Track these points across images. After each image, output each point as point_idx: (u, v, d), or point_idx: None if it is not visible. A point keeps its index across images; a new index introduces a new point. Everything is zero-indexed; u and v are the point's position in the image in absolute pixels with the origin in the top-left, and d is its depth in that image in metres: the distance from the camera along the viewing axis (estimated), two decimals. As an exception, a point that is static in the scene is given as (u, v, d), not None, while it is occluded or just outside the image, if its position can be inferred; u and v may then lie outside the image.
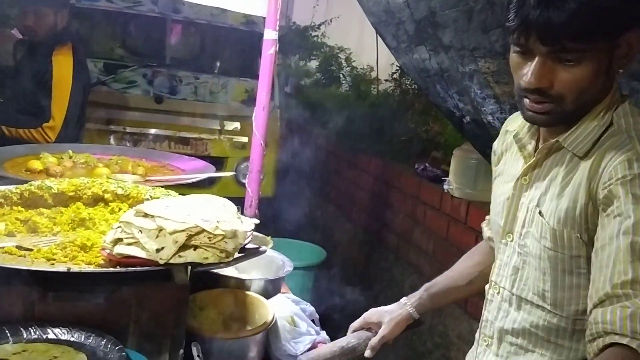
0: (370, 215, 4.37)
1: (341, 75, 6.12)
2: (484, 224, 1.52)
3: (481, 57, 1.52)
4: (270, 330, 1.43)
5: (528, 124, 1.22)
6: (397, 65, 4.63)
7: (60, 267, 1.09)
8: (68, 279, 1.11)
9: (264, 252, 1.28)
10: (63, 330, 1.11)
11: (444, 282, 1.50)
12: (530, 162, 1.20)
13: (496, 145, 1.38)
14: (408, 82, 4.67)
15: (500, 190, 1.30)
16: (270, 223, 2.53)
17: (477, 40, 1.37)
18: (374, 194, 4.32)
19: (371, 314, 1.49)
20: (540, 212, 1.14)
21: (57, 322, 1.11)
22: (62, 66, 2.74)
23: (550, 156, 1.16)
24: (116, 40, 4.39)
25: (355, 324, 1.49)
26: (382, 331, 1.45)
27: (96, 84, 3.87)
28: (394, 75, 4.92)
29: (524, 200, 1.21)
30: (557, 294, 1.14)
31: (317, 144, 5.54)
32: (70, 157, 2.07)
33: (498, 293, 1.28)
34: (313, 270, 3.72)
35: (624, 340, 0.90)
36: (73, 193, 1.49)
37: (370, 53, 5.24)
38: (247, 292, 1.54)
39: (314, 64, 6.72)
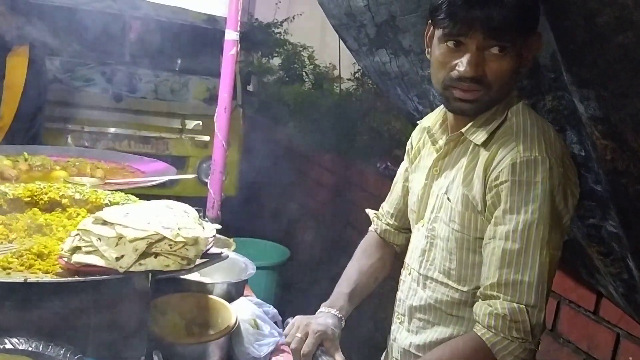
0: (333, 213, 4.40)
1: (304, 73, 6.12)
2: (374, 217, 1.62)
3: None
4: (233, 334, 1.43)
5: (440, 121, 1.36)
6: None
7: (17, 277, 1.06)
8: (26, 289, 1.09)
9: (226, 257, 1.28)
10: (21, 340, 1.09)
11: (357, 286, 1.47)
12: (439, 153, 1.32)
13: (412, 140, 1.50)
14: (370, 82, 4.70)
15: (416, 182, 1.41)
16: (233, 223, 2.52)
17: (435, 45, 1.40)
18: (337, 193, 4.35)
19: (323, 329, 1.28)
20: (448, 198, 1.27)
21: (14, 332, 1.08)
22: (16, 67, 2.66)
23: (457, 147, 1.28)
24: (73, 37, 4.28)
25: (311, 345, 1.25)
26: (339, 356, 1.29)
27: (53, 82, 3.77)
28: (357, 75, 4.95)
29: (434, 188, 1.33)
30: (461, 271, 1.27)
31: (280, 142, 5.53)
32: (26, 160, 2.02)
33: (409, 274, 1.40)
34: (276, 269, 3.72)
35: (480, 332, 1.13)
36: (29, 198, 1.46)
37: (332, 51, 5.26)
38: (210, 296, 1.54)
39: (276, 61, 6.69)
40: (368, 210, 1.66)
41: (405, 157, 1.53)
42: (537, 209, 1.11)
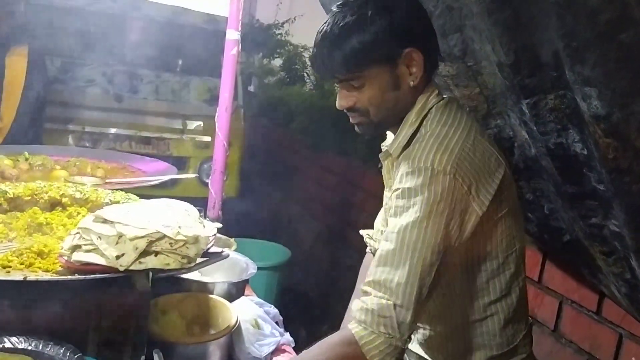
0: (334, 214, 4.39)
1: (305, 74, 6.12)
2: (366, 238, 1.63)
3: (440, 61, 1.55)
4: (234, 334, 1.43)
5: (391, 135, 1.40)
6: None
7: (17, 276, 1.06)
8: (26, 287, 1.08)
9: (227, 256, 1.28)
10: (20, 339, 1.08)
11: None
12: (384, 168, 1.39)
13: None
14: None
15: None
16: (234, 223, 2.52)
17: (436, 44, 1.41)
18: (338, 193, 4.34)
19: None
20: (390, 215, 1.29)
21: (14, 331, 1.08)
22: (16, 67, 2.66)
23: (386, 161, 1.34)
24: (74, 38, 4.28)
25: None
26: None
27: (54, 82, 3.77)
28: (357, 75, 4.94)
29: (385, 198, 1.41)
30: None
31: (281, 143, 5.53)
32: (27, 159, 2.01)
33: None
34: (277, 270, 3.71)
35: (351, 325, 1.16)
36: (29, 197, 1.46)
37: (334, 52, 5.24)
38: (210, 296, 1.53)
39: (277, 62, 6.70)
40: (362, 231, 1.66)
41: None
42: (414, 213, 1.13)
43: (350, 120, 1.30)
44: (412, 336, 1.41)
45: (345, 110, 1.28)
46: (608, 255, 1.49)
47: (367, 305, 1.15)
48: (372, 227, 1.64)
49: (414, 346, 1.46)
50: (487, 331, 1.31)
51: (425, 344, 1.43)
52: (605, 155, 1.17)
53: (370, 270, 1.19)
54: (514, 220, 1.27)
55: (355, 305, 1.18)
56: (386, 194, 1.43)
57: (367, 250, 1.64)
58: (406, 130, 1.26)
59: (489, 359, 1.32)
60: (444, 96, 1.29)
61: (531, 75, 1.36)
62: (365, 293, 1.17)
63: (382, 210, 1.59)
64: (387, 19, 1.18)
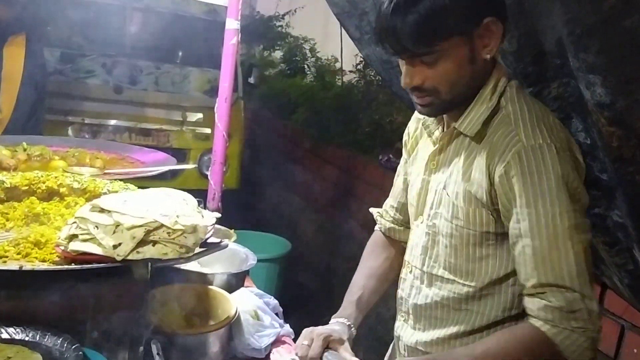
0: (335, 206, 4.38)
1: (306, 66, 6.09)
2: (377, 215, 1.58)
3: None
4: (233, 325, 1.42)
5: None
6: (361, 57, 4.64)
7: (13, 265, 1.05)
8: (21, 277, 1.07)
9: (226, 246, 1.26)
10: (17, 330, 1.08)
11: (366, 291, 1.45)
12: (435, 148, 1.30)
13: (409, 130, 1.46)
14: (372, 74, 4.67)
15: (415, 175, 1.38)
16: (234, 215, 2.51)
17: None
18: (339, 185, 4.33)
19: (328, 332, 1.28)
20: (447, 194, 1.24)
21: (10, 321, 1.07)
22: (14, 58, 2.64)
23: (453, 141, 1.26)
24: (74, 29, 4.26)
25: (316, 348, 1.24)
26: (352, 358, 1.28)
27: (53, 74, 3.75)
28: (358, 67, 4.92)
29: (432, 183, 1.30)
30: (469, 267, 1.24)
31: (282, 135, 5.51)
32: (25, 150, 2.00)
33: (410, 272, 1.37)
34: (278, 262, 3.71)
35: (537, 323, 1.10)
36: (27, 187, 1.44)
37: (334, 44, 5.23)
38: (210, 287, 1.52)
39: (278, 54, 6.67)
40: (372, 209, 1.62)
41: (403, 149, 1.50)
42: (556, 199, 1.09)
43: (415, 99, 1.23)
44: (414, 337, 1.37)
45: (408, 90, 1.21)
46: (611, 246, 1.47)
47: (551, 303, 1.09)
48: (370, 218, 1.63)
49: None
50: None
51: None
52: (609, 144, 1.15)
53: (529, 273, 1.12)
54: None
55: (535, 303, 1.11)
56: (424, 177, 1.33)
57: (376, 228, 1.59)
58: (479, 107, 1.19)
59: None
60: (509, 77, 1.24)
61: (534, 63, 1.35)
62: (542, 293, 1.11)
63: (392, 196, 1.55)
64: None
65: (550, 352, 1.10)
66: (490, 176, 1.16)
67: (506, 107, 1.18)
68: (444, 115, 1.29)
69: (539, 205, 1.09)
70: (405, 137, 1.48)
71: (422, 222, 1.33)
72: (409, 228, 1.49)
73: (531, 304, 1.13)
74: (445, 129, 1.30)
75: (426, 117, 1.33)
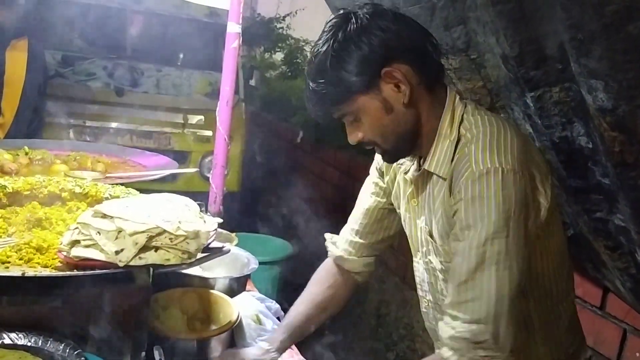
0: (336, 208, 4.37)
1: (306, 68, 6.09)
2: (329, 243, 1.57)
3: (443, 54, 1.53)
4: (235, 329, 1.42)
5: None
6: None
7: (15, 271, 1.05)
8: (24, 283, 1.07)
9: (228, 251, 1.26)
10: (19, 335, 1.08)
11: (300, 317, 1.47)
12: (411, 190, 1.29)
13: (381, 162, 1.44)
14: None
15: (402, 210, 1.37)
16: (236, 218, 2.51)
17: (439, 36, 1.38)
18: (340, 188, 4.33)
19: (242, 357, 1.37)
20: (430, 234, 1.24)
21: (13, 327, 1.07)
22: (16, 62, 2.64)
23: (428, 181, 1.24)
24: (75, 31, 4.26)
25: None
26: None
27: (54, 77, 3.75)
28: (359, 69, 4.92)
29: (419, 222, 1.29)
30: None
31: (283, 137, 5.51)
32: (27, 154, 2.00)
33: (428, 305, 1.37)
34: (279, 265, 3.71)
35: (446, 354, 1.08)
36: (29, 192, 1.44)
37: (335, 46, 5.23)
38: (212, 291, 1.53)
39: (279, 56, 6.68)
40: (327, 235, 1.61)
41: (375, 172, 1.48)
42: (492, 223, 1.06)
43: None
44: None
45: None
46: (613, 250, 1.47)
47: (457, 332, 1.07)
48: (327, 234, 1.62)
49: None
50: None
51: None
52: (611, 149, 1.15)
53: (450, 290, 1.11)
54: (557, 217, 1.22)
55: (444, 331, 1.09)
56: (408, 215, 1.33)
57: (329, 255, 1.57)
58: (442, 143, 1.18)
59: None
60: (463, 100, 1.23)
61: (536, 67, 1.35)
62: (452, 316, 1.09)
63: (353, 219, 1.52)
64: (357, 47, 1.12)
65: None
66: (451, 203, 1.15)
67: (465, 135, 1.16)
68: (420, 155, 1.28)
69: (476, 227, 1.07)
70: (379, 162, 1.46)
71: (419, 259, 1.34)
72: (364, 257, 1.50)
73: (442, 332, 1.11)
74: (418, 167, 1.28)
75: (402, 160, 1.32)
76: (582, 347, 1.32)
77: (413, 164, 1.29)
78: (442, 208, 1.19)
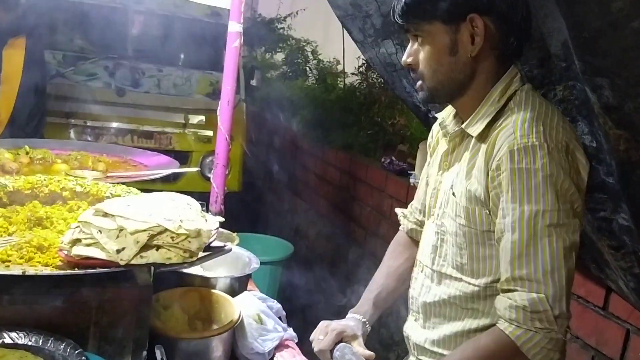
0: (337, 209, 4.37)
1: (307, 68, 6.09)
2: (401, 216, 1.59)
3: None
4: (236, 329, 1.41)
5: (453, 112, 1.34)
6: (363, 59, 4.64)
7: (16, 270, 1.04)
8: (24, 282, 1.07)
9: (229, 250, 1.26)
10: (20, 334, 1.06)
11: (383, 288, 1.48)
12: (447, 148, 1.32)
13: (433, 132, 1.47)
14: (374, 76, 4.67)
15: (431, 175, 1.40)
16: (237, 218, 2.50)
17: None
18: (341, 188, 4.33)
19: (342, 328, 1.35)
20: (453, 193, 1.25)
21: (13, 326, 1.06)
22: (13, 60, 2.63)
23: (464, 141, 1.27)
24: (76, 31, 4.26)
25: (328, 341, 1.32)
26: (365, 351, 1.33)
27: (55, 76, 3.75)
28: (360, 69, 4.92)
29: (443, 183, 1.32)
30: (473, 266, 1.25)
31: (284, 137, 5.51)
32: (27, 153, 1.99)
33: (422, 271, 1.38)
34: (280, 265, 3.70)
35: (502, 326, 1.12)
36: (29, 191, 1.44)
37: (336, 46, 5.23)
38: (213, 291, 1.52)
39: (280, 56, 6.67)
40: (397, 209, 1.64)
41: (428, 150, 1.51)
42: (541, 197, 1.08)
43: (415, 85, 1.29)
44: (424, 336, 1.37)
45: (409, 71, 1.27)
46: (616, 250, 1.47)
47: (516, 302, 1.09)
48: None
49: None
50: None
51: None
52: (615, 147, 1.15)
53: (504, 267, 1.13)
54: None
55: (502, 302, 1.12)
56: (437, 177, 1.35)
57: (400, 228, 1.60)
58: (487, 108, 1.21)
59: None
60: (525, 81, 1.24)
61: (540, 65, 1.34)
62: (510, 290, 1.12)
63: (416, 198, 1.55)
64: None
65: (513, 354, 1.10)
66: (487, 170, 1.17)
67: (513, 109, 1.18)
68: (460, 116, 1.31)
69: (524, 201, 1.10)
70: (429, 139, 1.49)
71: (432, 222, 1.35)
72: None
73: (499, 304, 1.14)
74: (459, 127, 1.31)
75: (444, 117, 1.36)
76: None
77: (455, 128, 1.31)
78: (476, 172, 1.20)
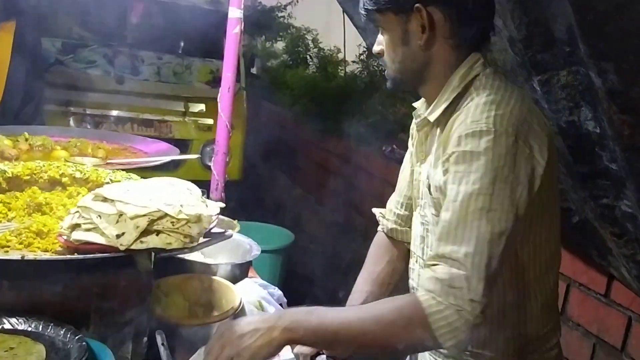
0: (338, 197, 4.36)
1: (308, 57, 6.05)
2: (379, 216, 1.56)
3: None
4: (237, 316, 1.41)
5: (424, 101, 1.34)
6: (364, 47, 4.60)
7: (15, 255, 1.03)
8: (24, 267, 1.06)
9: (230, 236, 1.25)
10: (20, 320, 1.06)
11: (368, 295, 1.45)
12: (416, 138, 1.33)
13: (414, 123, 1.43)
14: (375, 64, 4.64)
15: (415, 165, 1.39)
16: (238, 206, 2.49)
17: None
18: (342, 176, 4.32)
19: None
20: (428, 185, 1.24)
21: (13, 312, 1.06)
22: (1, 45, 2.58)
23: (431, 131, 1.27)
24: (75, 19, 4.23)
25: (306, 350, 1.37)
26: None
27: (54, 64, 3.72)
28: (361, 57, 4.89)
29: (422, 173, 1.30)
30: None
31: (285, 126, 5.49)
32: (27, 140, 1.98)
33: (416, 261, 1.37)
34: (281, 253, 3.70)
35: (418, 293, 1.09)
36: (28, 177, 1.42)
37: (337, 34, 5.19)
38: (214, 277, 1.51)
39: (280, 45, 6.63)
40: (375, 210, 1.60)
41: (410, 140, 1.48)
42: (479, 179, 1.06)
43: None
44: None
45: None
46: (619, 237, 1.46)
47: (436, 274, 1.07)
48: (377, 208, 1.61)
49: None
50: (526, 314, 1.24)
51: None
52: (620, 133, 1.14)
53: (433, 244, 1.14)
54: (554, 195, 1.21)
55: (425, 273, 1.10)
56: (417, 168, 1.35)
57: (379, 229, 1.57)
58: (447, 95, 1.20)
59: (523, 346, 1.25)
60: (488, 66, 1.22)
61: (543, 50, 1.33)
62: (433, 265, 1.09)
63: (397, 191, 1.52)
64: None
65: (422, 324, 1.05)
66: (443, 163, 1.16)
67: (472, 94, 1.17)
68: (427, 104, 1.30)
69: (462, 182, 1.08)
70: (411, 130, 1.47)
71: (418, 212, 1.34)
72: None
73: (423, 275, 1.12)
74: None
75: (418, 107, 1.36)
76: (553, 331, 1.30)
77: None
78: (438, 159, 1.19)
